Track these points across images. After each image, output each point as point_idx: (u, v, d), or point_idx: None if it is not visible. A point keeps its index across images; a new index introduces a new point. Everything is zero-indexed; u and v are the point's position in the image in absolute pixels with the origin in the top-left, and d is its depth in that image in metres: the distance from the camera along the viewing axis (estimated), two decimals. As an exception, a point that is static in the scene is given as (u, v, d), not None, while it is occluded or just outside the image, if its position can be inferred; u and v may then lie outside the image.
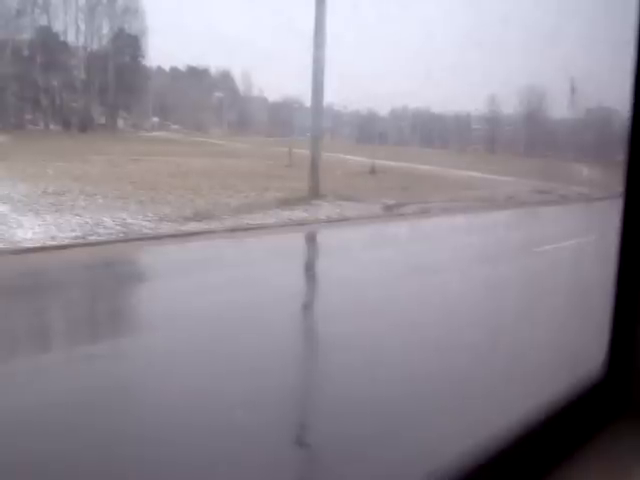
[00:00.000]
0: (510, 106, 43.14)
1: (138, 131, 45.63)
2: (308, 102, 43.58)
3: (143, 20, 40.44)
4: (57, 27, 39.80)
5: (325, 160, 31.10)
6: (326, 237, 14.49)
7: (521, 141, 40.71)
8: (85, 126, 41.03)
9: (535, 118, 38.35)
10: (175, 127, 49.49)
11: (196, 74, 49.32)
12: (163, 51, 44.83)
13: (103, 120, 43.30)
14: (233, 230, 12.93)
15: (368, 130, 45.37)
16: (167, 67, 48.96)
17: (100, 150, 27.65)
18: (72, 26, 39.71)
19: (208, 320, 7.36)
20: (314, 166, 18.11)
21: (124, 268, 10.49)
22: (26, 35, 38.16)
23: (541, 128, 38.11)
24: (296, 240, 13.70)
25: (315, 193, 17.53)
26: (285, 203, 16.24)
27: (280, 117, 48.33)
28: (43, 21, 39.45)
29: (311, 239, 14.33)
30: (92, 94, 40.58)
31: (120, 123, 45.89)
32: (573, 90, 24.06)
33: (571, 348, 6.75)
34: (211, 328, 7.09)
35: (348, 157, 32.93)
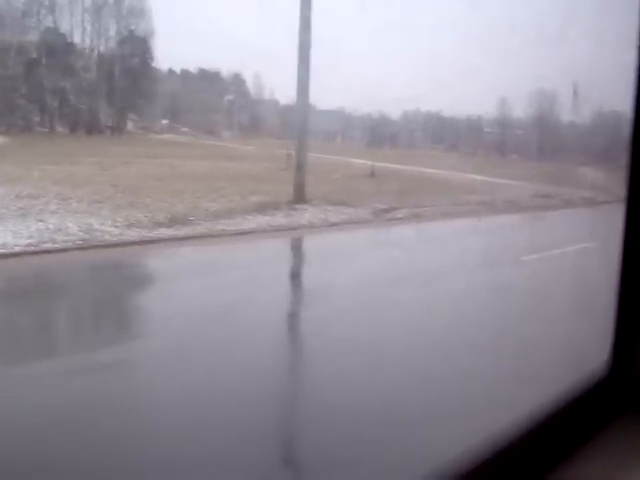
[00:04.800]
0: (522, 109, 42.54)
1: (147, 134, 45.50)
2: (318, 104, 43.10)
3: (150, 22, 40.11)
4: (64, 28, 39.53)
5: (329, 163, 30.72)
6: (301, 244, 13.85)
7: (532, 144, 40.11)
8: (91, 128, 40.76)
9: (546, 121, 37.76)
10: (185, 130, 49.24)
11: (207, 77, 48.99)
12: (175, 54, 44.33)
13: (112, 122, 43.01)
14: (202, 237, 12.36)
15: (379, 133, 45.01)
16: (178, 69, 48.66)
17: (99, 152, 27.27)
18: (80, 28, 39.45)
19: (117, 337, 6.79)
20: (300, 169, 17.50)
21: (49, 280, 9.91)
22: (33, 36, 37.96)
23: (552, 132, 37.50)
24: (266, 248, 13.07)
25: (301, 197, 16.91)
26: (268, 208, 15.66)
27: (291, 120, 47.99)
28: (50, 22, 39.22)
29: (283, 247, 13.67)
30: (100, 96, 40.25)
31: (130, 125, 45.75)
32: (583, 93, 23.49)
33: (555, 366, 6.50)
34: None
35: (354, 160, 32.34)
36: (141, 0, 40.50)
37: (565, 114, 36.73)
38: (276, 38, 46.64)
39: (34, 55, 37.81)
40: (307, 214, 15.67)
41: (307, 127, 19.53)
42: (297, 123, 18.73)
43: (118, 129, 42.53)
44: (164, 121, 49.40)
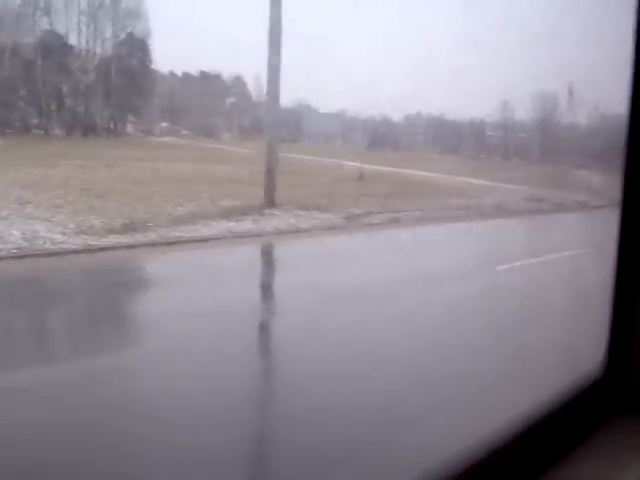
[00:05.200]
0: (525, 112, 42.27)
1: (147, 136, 45.33)
2: (319, 106, 42.62)
3: (147, 23, 39.79)
4: (60, 30, 39.23)
5: (322, 165, 30.20)
6: (257, 252, 13.07)
7: (534, 147, 39.79)
8: (87, 131, 40.52)
9: (550, 125, 37.43)
10: (185, 132, 49.04)
11: (208, 79, 48.69)
12: (177, 56, 44.07)
13: (111, 125, 42.70)
14: (153, 244, 11.69)
15: (381, 136, 44.81)
16: (180, 72, 48.45)
17: (88, 155, 26.90)
18: (76, 30, 39.14)
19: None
20: (270, 172, 16.79)
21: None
22: (30, 38, 37.63)
23: (555, 134, 37.14)
24: (216, 256, 12.31)
25: (271, 202, 16.21)
26: (235, 213, 14.98)
27: (292, 122, 48.38)
28: (46, 24, 38.90)
29: (232, 256, 12.80)
30: (97, 98, 39.92)
31: (130, 128, 45.61)
32: (587, 96, 23.01)
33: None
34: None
35: (348, 163, 31.77)
36: (138, 2, 40.15)
37: (568, 117, 36.41)
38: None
39: (31, 57, 37.53)
40: (275, 220, 14.97)
41: (278, 125, 18.74)
42: (267, 120, 17.92)
43: (114, 131, 42.23)
44: (164, 124, 49.25)
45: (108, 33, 40.09)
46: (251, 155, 34.75)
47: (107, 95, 39.49)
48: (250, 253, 12.89)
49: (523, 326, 8.52)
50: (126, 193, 16.99)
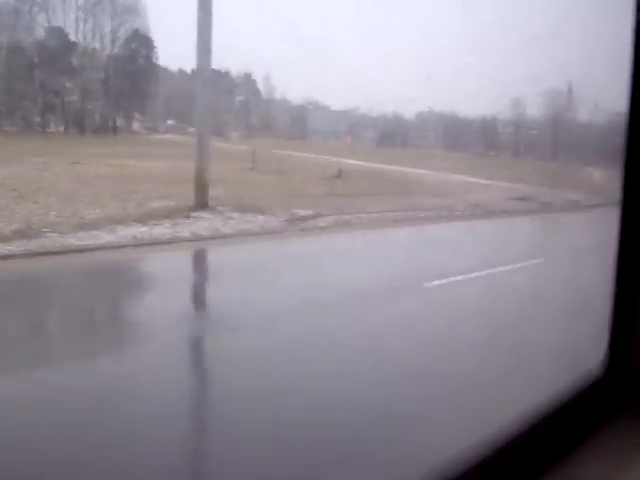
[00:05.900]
0: (537, 109, 42.00)
1: (151, 134, 45.11)
2: (330, 104, 41.94)
3: (146, 19, 39.40)
4: (67, 28, 38.76)
5: (313, 163, 29.06)
6: (134, 267, 11.29)
7: (544, 145, 39.16)
8: (85, 128, 40.25)
9: (562, 121, 36.66)
10: (192, 130, 48.38)
11: (218, 76, 48.02)
12: (184, 53, 43.61)
13: (112, 122, 42.20)
14: (31, 255, 10.33)
15: (391, 133, 44.36)
16: (188, 69, 48.08)
17: (65, 152, 25.89)
18: (76, 26, 38.63)
19: None
20: (200, 170, 15.35)
21: None
22: (30, 35, 37.13)
23: (567, 132, 36.33)
24: (84, 272, 10.71)
25: (202, 203, 14.74)
26: (158, 215, 13.53)
27: (301, 119, 48.53)
28: (46, 21, 38.41)
29: (106, 269, 11.13)
30: (100, 95, 39.45)
31: (136, 125, 45.48)
32: (599, 94, 22.28)
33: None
34: None
35: (344, 161, 30.54)
36: (136, -2, 39.77)
37: (580, 114, 35.72)
38: (279, 38, 45.41)
39: (31, 54, 37.08)
40: (201, 223, 13.46)
41: (207, 115, 17.05)
42: (197, 107, 16.29)
43: (114, 129, 41.82)
44: (169, 121, 49.04)
45: (107, 29, 39.62)
46: (247, 152, 33.65)
47: (108, 92, 39.04)
48: (124, 267, 11.19)
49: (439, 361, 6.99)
50: (57, 193, 15.72)
